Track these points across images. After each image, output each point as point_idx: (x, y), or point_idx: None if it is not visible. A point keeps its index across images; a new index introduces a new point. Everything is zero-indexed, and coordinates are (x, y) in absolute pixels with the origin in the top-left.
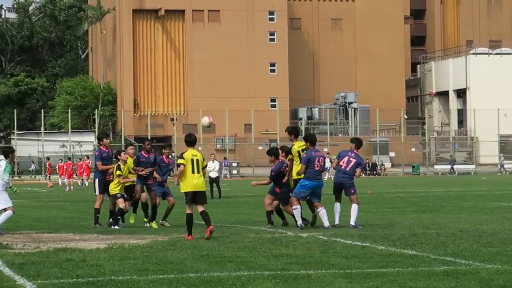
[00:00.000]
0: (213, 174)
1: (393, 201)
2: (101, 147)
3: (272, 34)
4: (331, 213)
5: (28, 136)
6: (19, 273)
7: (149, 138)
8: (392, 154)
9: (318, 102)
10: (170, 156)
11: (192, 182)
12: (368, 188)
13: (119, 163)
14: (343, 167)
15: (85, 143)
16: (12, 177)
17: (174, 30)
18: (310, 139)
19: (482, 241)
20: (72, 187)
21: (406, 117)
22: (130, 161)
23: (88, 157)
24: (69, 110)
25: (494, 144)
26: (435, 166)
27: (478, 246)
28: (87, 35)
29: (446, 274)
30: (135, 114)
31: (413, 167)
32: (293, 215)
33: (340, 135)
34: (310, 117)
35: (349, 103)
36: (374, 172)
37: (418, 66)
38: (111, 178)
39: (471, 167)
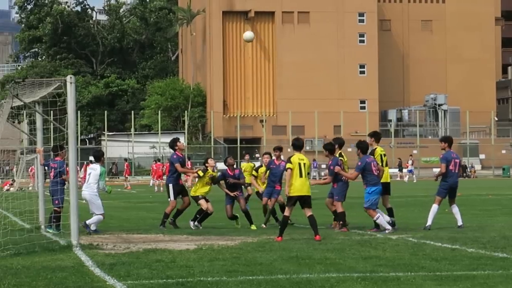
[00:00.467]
0: None
1: (483, 203)
2: (176, 152)
3: (361, 35)
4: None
5: (118, 137)
6: (109, 273)
7: (239, 139)
8: (482, 156)
9: (408, 104)
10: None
11: (299, 186)
12: (459, 190)
13: (207, 168)
14: (454, 171)
15: None
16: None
17: (264, 32)
18: (361, 147)
19: None
20: (161, 188)
21: (496, 119)
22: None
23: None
24: (159, 111)
25: None
26: None
27: None
28: (177, 37)
29: None
30: (224, 115)
31: (503, 169)
32: (339, 214)
33: (429, 137)
34: (399, 119)
35: (439, 105)
36: (464, 174)
37: (509, 68)
38: (186, 182)
39: None
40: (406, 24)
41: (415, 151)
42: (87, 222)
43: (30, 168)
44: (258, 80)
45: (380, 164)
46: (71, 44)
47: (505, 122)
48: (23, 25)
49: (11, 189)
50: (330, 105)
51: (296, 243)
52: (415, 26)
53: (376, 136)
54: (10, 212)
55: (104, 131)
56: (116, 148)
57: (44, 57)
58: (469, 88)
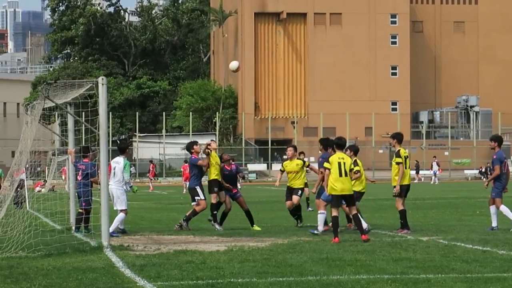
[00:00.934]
0: None
1: None
2: (193, 154)
3: (394, 37)
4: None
5: (150, 138)
6: (139, 274)
7: (270, 141)
8: None
9: (440, 106)
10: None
11: (339, 185)
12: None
13: (210, 150)
14: (505, 171)
15: None
16: (134, 179)
17: (296, 33)
18: (324, 143)
19: None
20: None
21: None
22: (214, 154)
23: None
24: (190, 113)
25: None
26: None
27: None
28: (209, 38)
29: None
30: (255, 117)
31: None
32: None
33: (461, 138)
34: (431, 121)
35: (471, 107)
36: None
37: None
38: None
39: None
40: (438, 25)
41: (446, 153)
42: (110, 231)
43: (62, 169)
44: (290, 81)
45: (404, 166)
46: (103, 45)
47: None
48: (55, 26)
49: (43, 190)
50: (362, 106)
51: (326, 244)
52: (448, 27)
53: (398, 137)
54: (41, 213)
55: (135, 132)
56: (147, 149)
57: (76, 58)
58: (501, 90)
